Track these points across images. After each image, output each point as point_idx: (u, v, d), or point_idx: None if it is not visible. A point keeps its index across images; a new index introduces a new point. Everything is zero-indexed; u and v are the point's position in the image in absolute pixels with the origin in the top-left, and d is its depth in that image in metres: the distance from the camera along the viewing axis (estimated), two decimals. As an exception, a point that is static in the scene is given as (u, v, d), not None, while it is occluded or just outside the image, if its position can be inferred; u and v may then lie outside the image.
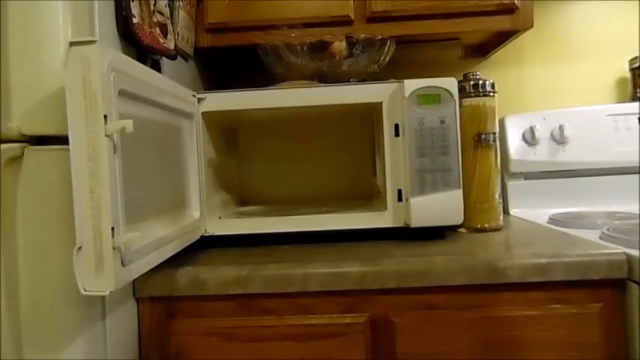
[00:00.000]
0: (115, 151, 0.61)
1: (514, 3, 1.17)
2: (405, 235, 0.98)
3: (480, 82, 1.07)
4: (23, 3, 0.65)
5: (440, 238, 0.99)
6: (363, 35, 1.10)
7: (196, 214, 0.96)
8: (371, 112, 1.08)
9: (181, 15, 1.04)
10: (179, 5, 1.02)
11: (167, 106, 0.83)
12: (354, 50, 1.10)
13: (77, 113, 0.58)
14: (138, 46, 0.83)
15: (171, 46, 0.94)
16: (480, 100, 1.07)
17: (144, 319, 0.87)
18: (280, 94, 1.00)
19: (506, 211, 1.35)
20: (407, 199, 0.96)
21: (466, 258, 0.84)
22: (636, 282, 0.80)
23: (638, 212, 1.19)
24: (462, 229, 1.08)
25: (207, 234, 1.00)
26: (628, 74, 1.70)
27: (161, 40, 0.90)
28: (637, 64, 1.80)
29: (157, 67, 0.91)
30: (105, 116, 0.59)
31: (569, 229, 1.05)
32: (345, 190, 1.25)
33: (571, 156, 1.36)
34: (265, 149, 1.30)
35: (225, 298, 0.85)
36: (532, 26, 1.20)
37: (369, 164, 1.21)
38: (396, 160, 0.98)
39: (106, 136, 0.59)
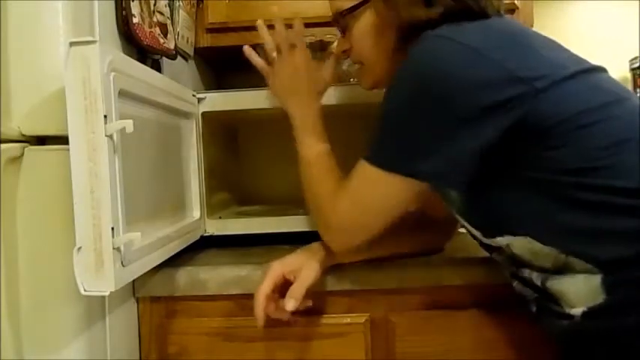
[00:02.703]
0: (115, 151, 0.61)
1: (514, 3, 1.17)
2: (405, 235, 0.98)
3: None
4: (23, 3, 0.65)
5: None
6: (363, 35, 1.10)
7: (196, 214, 0.96)
8: (371, 112, 1.08)
9: (181, 15, 1.04)
10: (179, 5, 1.02)
11: (167, 106, 0.83)
12: (354, 50, 1.10)
13: (77, 113, 0.58)
14: (138, 46, 0.83)
15: (171, 46, 0.94)
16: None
17: (144, 319, 0.87)
18: (280, 94, 0.99)
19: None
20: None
21: (466, 258, 0.84)
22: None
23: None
24: (462, 229, 1.08)
25: (207, 234, 1.00)
26: (628, 74, 1.70)
27: (161, 40, 0.90)
28: (637, 64, 1.80)
29: (157, 67, 0.91)
30: (105, 116, 0.59)
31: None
32: (345, 190, 1.25)
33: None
34: (265, 149, 1.30)
35: (225, 298, 0.85)
36: (532, 26, 1.20)
37: (369, 164, 1.20)
38: (396, 160, 0.97)
39: (106, 136, 0.59)
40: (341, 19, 0.78)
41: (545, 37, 0.69)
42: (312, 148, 0.82)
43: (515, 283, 0.73)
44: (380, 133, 0.70)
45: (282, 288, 0.76)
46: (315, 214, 0.80)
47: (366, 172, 0.70)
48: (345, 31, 0.80)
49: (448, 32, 0.66)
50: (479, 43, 0.63)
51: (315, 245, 0.81)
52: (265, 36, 0.87)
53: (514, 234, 0.67)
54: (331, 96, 0.98)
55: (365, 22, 0.76)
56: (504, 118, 0.61)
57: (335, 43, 0.83)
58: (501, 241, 0.69)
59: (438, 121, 0.63)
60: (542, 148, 0.62)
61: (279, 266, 0.77)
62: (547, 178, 0.63)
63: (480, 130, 0.62)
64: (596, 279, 0.61)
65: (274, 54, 0.86)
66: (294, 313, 0.76)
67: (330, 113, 0.95)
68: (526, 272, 0.69)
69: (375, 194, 0.70)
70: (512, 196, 0.66)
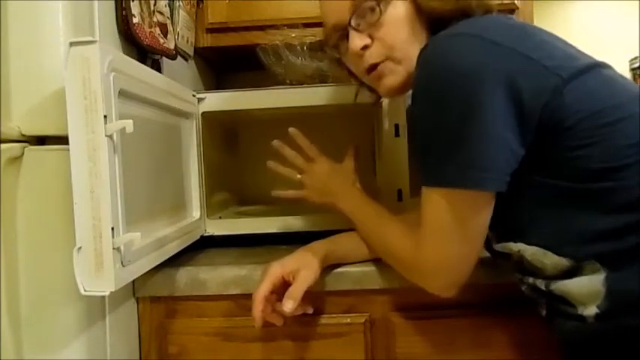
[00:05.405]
0: (115, 151, 0.61)
1: (514, 3, 1.17)
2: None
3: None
4: (23, 3, 0.65)
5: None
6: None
7: (196, 214, 0.96)
8: (371, 112, 1.08)
9: (181, 15, 1.04)
10: (179, 5, 1.02)
11: (167, 106, 0.83)
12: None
13: (77, 113, 0.58)
14: (138, 46, 0.83)
15: (171, 46, 0.94)
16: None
17: (144, 319, 0.87)
18: (280, 94, 1.00)
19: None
20: (407, 199, 0.96)
21: (466, 258, 0.84)
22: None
23: None
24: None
25: (207, 234, 1.00)
26: (628, 74, 1.70)
27: (161, 40, 0.90)
28: (637, 64, 1.80)
29: (156, 67, 0.91)
30: (105, 116, 0.59)
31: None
32: (345, 190, 1.25)
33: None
34: (265, 149, 1.30)
35: (225, 298, 0.85)
36: (532, 26, 1.20)
37: (369, 164, 1.21)
38: (396, 160, 0.98)
39: (106, 136, 0.59)
40: (368, 7, 0.70)
41: (548, 32, 0.67)
42: (368, 215, 0.84)
43: (524, 288, 0.71)
44: (429, 152, 0.65)
45: (281, 289, 0.76)
46: (404, 271, 0.76)
47: (433, 199, 0.65)
48: (363, 24, 0.72)
49: (464, 28, 0.64)
50: (498, 36, 0.61)
51: (314, 245, 0.81)
52: (289, 157, 0.94)
53: (529, 243, 0.65)
54: (329, 96, 0.98)
55: (400, 8, 0.70)
56: (535, 111, 0.59)
57: (352, 41, 0.70)
58: (513, 247, 0.67)
59: (482, 126, 0.60)
60: (566, 147, 0.60)
61: (278, 267, 0.76)
62: (568, 185, 0.61)
63: (519, 126, 0.60)
64: (600, 277, 0.60)
65: (298, 176, 0.92)
66: (292, 316, 0.75)
67: (327, 113, 0.96)
68: (530, 280, 0.68)
69: (451, 217, 0.64)
70: (531, 204, 0.64)
